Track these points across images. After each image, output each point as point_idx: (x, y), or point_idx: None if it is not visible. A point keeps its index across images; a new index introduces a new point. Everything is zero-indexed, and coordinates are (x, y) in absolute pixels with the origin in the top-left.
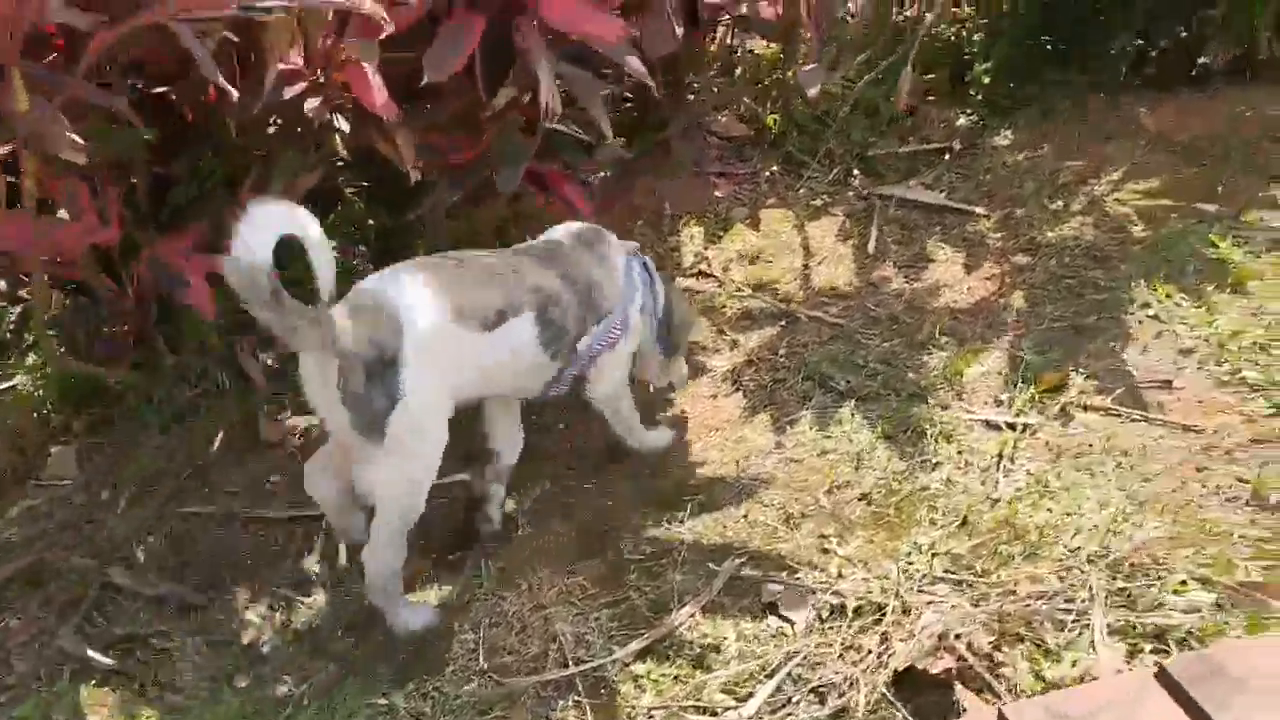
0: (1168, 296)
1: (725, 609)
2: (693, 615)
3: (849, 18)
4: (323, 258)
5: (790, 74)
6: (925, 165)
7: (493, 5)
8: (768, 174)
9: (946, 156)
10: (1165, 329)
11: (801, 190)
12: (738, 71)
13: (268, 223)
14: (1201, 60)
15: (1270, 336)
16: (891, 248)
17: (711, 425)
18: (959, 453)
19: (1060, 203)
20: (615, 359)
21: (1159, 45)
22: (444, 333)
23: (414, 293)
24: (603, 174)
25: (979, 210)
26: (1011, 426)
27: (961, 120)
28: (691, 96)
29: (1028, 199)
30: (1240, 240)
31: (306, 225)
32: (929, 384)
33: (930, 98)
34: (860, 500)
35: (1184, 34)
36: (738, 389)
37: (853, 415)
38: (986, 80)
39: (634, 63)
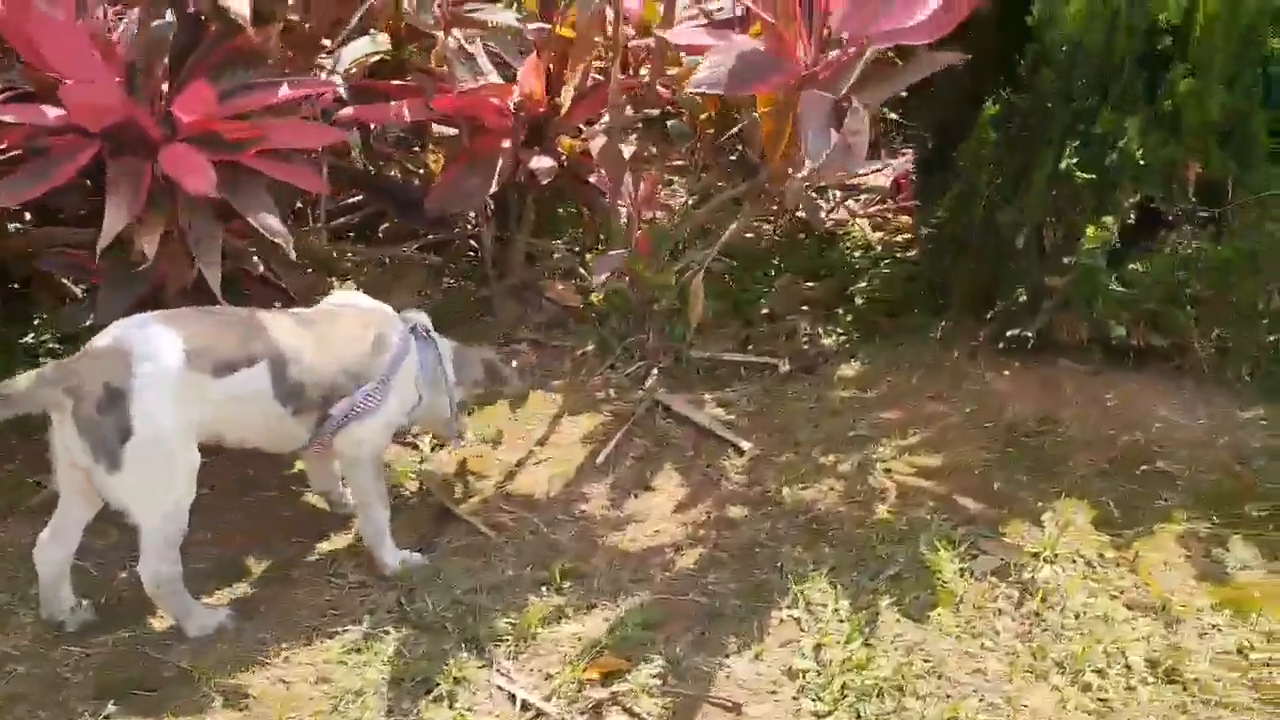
0: (834, 600)
1: None
2: None
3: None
4: None
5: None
6: (742, 379)
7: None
8: (580, 353)
9: (770, 373)
10: (801, 639)
11: (595, 378)
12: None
13: None
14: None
15: (896, 680)
16: (625, 463)
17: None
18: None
19: (832, 458)
20: (369, 425)
21: (1043, 309)
22: (173, 375)
23: (151, 337)
24: None
25: (743, 444)
26: (526, 707)
27: (828, 340)
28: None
29: (805, 445)
30: (968, 555)
31: None
32: (489, 632)
33: (805, 307)
34: None
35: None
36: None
37: (368, 643)
38: (860, 302)
39: (268, 220)
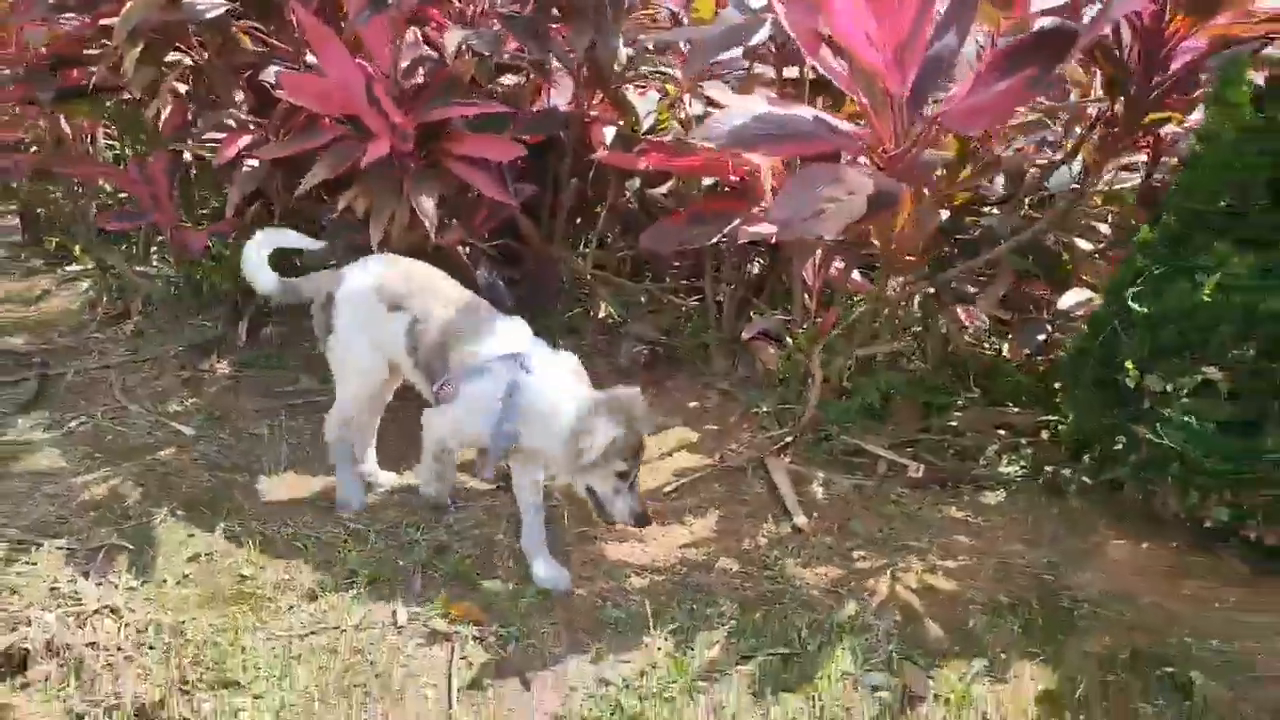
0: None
1: None
2: None
3: None
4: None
5: None
6: (867, 472)
7: None
8: (753, 410)
9: (900, 473)
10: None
11: (744, 432)
12: None
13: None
14: None
15: None
16: (687, 498)
17: None
18: None
19: (862, 554)
20: (441, 416)
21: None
22: (365, 297)
23: (364, 269)
24: None
25: (798, 518)
26: None
27: (1007, 468)
28: None
29: (855, 536)
30: (866, 667)
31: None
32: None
33: (1000, 431)
34: None
35: None
36: None
37: None
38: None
39: (425, 203)
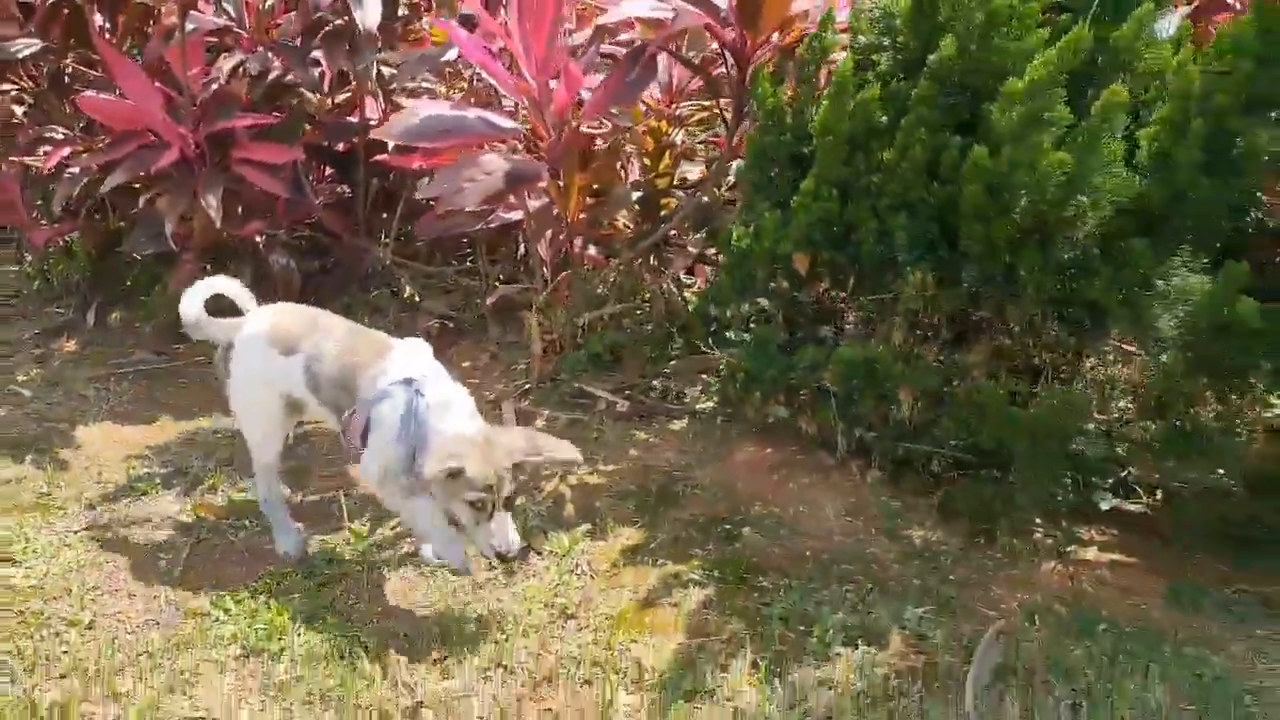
0: None
1: None
2: None
3: None
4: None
5: None
6: (587, 409)
7: None
8: (511, 366)
9: (609, 409)
10: None
11: (493, 377)
12: None
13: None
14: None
15: None
16: None
17: None
18: None
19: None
20: (368, 457)
21: None
22: (256, 343)
23: (257, 318)
24: None
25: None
26: None
27: (703, 404)
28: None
29: None
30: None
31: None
32: None
33: (705, 377)
34: None
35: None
36: None
37: None
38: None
39: (210, 199)
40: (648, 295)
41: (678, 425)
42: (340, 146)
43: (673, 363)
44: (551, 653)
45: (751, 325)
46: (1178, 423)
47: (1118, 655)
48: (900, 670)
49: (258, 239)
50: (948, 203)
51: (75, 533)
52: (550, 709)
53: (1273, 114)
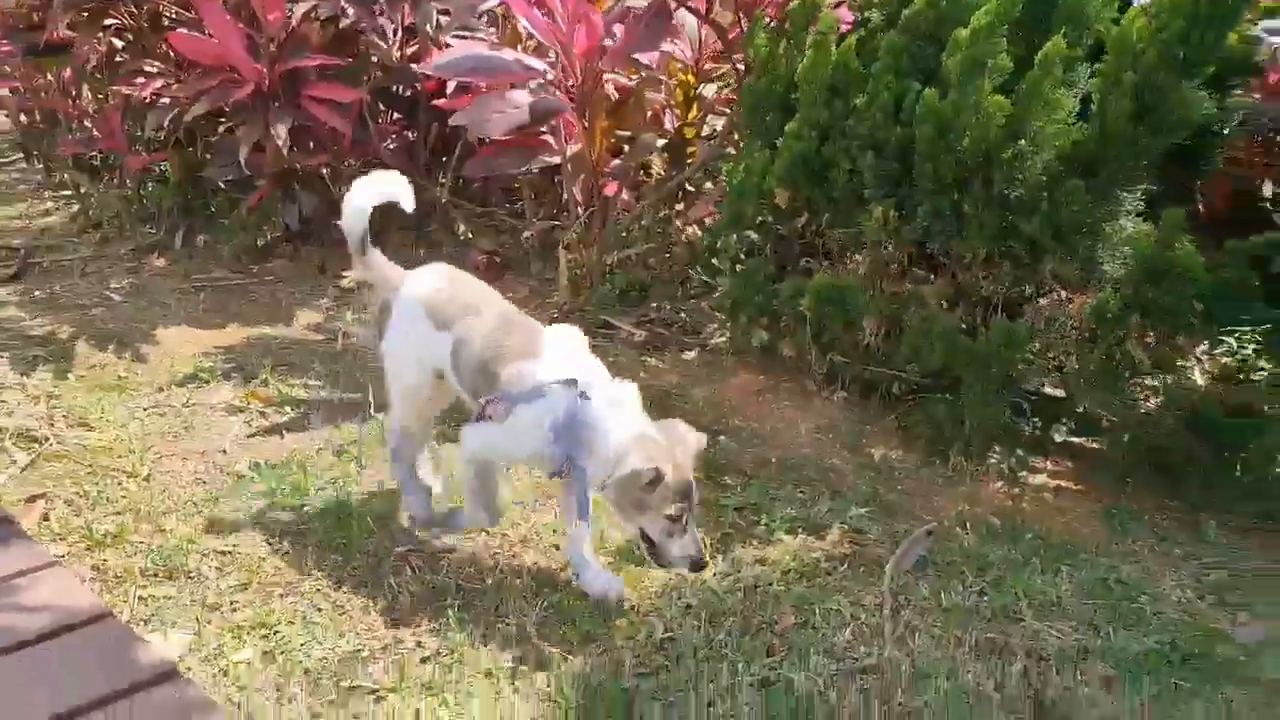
0: None
1: None
2: None
3: None
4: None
5: None
6: (608, 338)
7: None
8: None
9: (628, 338)
10: None
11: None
12: None
13: (373, 181)
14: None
15: None
16: None
17: None
18: None
19: None
20: (478, 432)
21: None
22: (413, 311)
23: (414, 280)
24: None
25: None
26: None
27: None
28: None
29: None
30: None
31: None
32: None
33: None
34: None
35: None
36: None
37: None
38: None
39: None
40: (671, 237)
41: (689, 355)
42: (405, 92)
43: (694, 299)
44: (529, 522)
45: (744, 258)
46: (1111, 358)
47: (1033, 557)
48: (833, 556)
49: (324, 171)
50: (909, 143)
51: (145, 409)
52: (523, 564)
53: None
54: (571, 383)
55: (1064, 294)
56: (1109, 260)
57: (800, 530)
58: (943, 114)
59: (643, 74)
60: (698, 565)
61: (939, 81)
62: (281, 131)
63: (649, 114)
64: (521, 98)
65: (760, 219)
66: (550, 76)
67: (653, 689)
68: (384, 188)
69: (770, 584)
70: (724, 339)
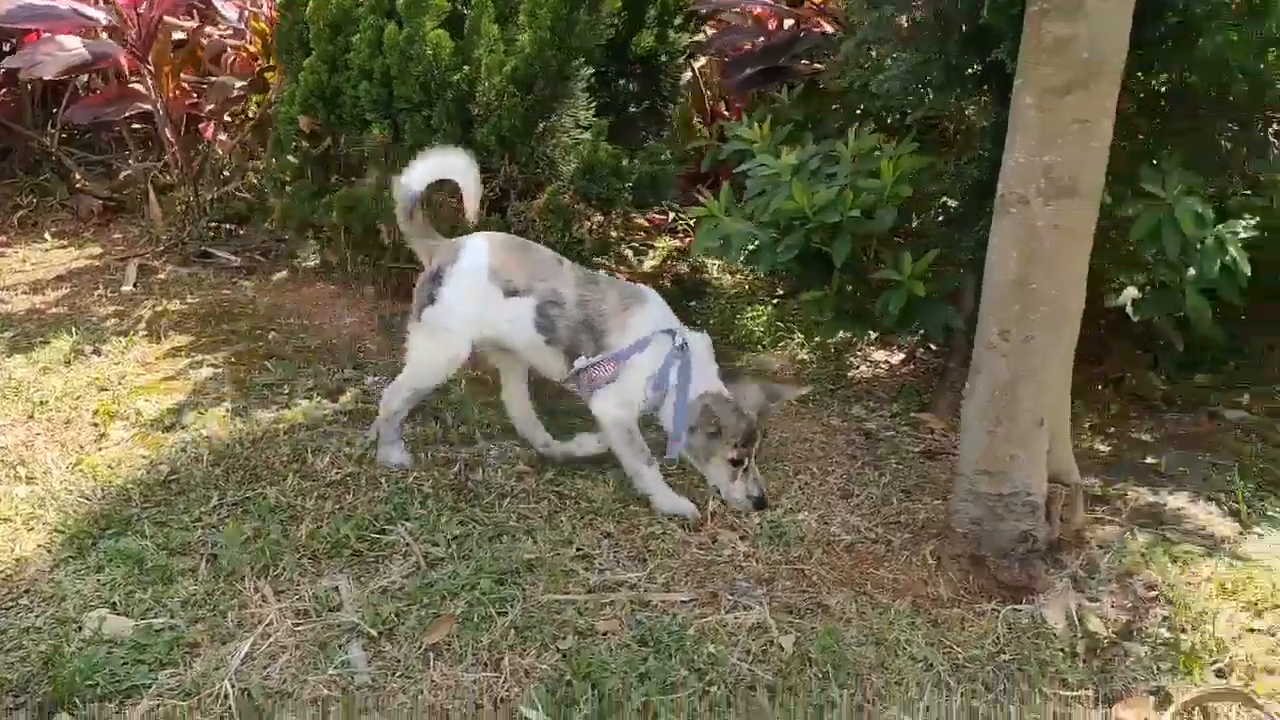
0: None
1: None
2: None
3: None
4: (470, 191)
5: None
6: (205, 265)
7: None
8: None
9: (221, 266)
10: None
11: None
12: None
13: (429, 163)
14: None
15: None
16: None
17: None
18: None
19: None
20: (606, 399)
21: None
22: (476, 279)
23: (474, 247)
24: None
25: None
26: None
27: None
28: None
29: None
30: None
31: (465, 170)
32: None
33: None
34: None
35: None
36: None
37: None
38: None
39: None
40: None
41: (278, 276)
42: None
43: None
44: (78, 406)
45: (290, 180)
46: (563, 239)
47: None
48: (341, 412)
49: None
50: (389, 72)
51: None
52: (61, 440)
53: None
54: (670, 332)
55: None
56: (564, 163)
57: (317, 395)
58: (402, 47)
59: (231, 27)
60: (761, 504)
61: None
62: None
63: (235, 61)
64: (73, 42)
65: (295, 144)
66: (105, 23)
67: (151, 515)
68: (446, 167)
69: (276, 435)
70: (314, 262)
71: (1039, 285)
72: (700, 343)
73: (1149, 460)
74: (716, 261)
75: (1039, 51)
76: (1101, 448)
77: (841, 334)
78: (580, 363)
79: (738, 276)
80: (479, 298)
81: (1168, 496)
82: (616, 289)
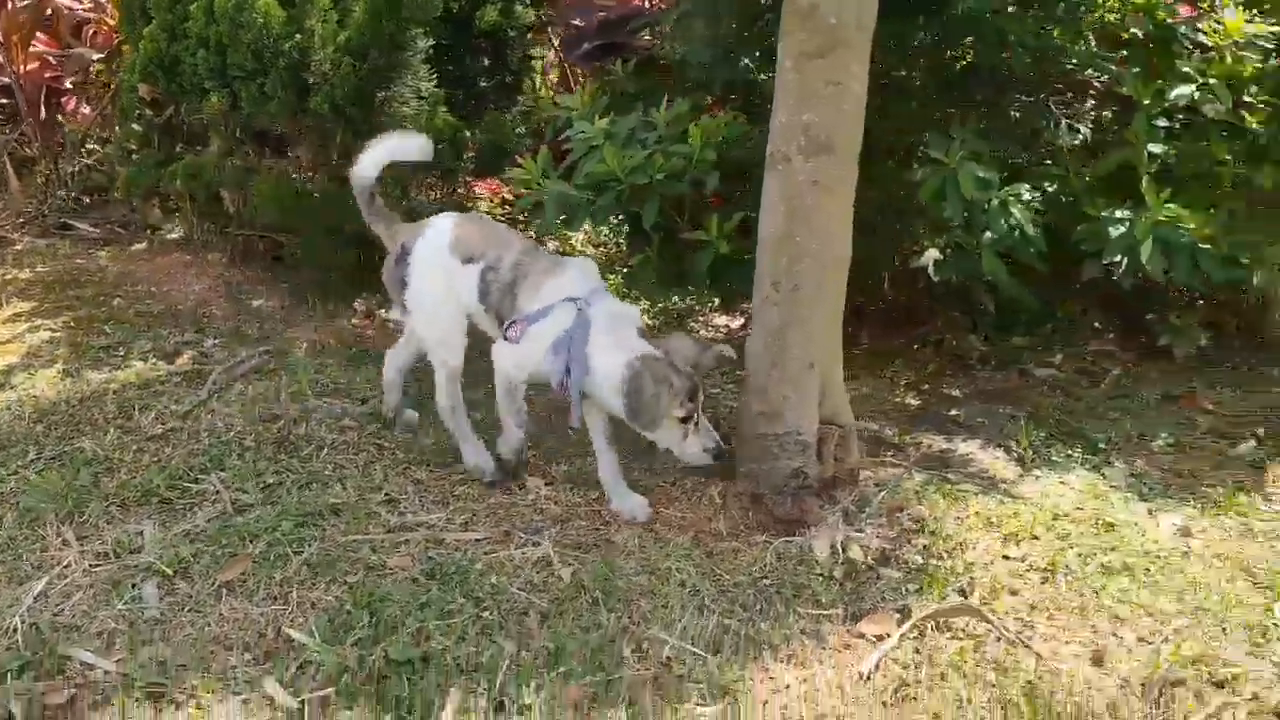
0: None
1: None
2: None
3: None
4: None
5: None
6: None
7: None
8: None
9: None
10: None
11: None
12: None
13: (376, 151)
14: None
15: None
16: None
17: None
18: None
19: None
20: (504, 351)
21: None
22: (439, 253)
23: (438, 225)
24: None
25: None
26: None
27: None
28: None
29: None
30: None
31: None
32: None
33: None
34: None
35: None
36: None
37: None
38: None
39: None
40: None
41: (138, 247)
42: None
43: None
44: None
45: (135, 149)
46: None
47: (327, 361)
48: (176, 373)
49: None
50: (222, 40)
51: None
52: None
53: None
54: (573, 300)
55: None
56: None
57: (154, 358)
58: (231, 14)
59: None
60: (719, 455)
61: None
62: None
63: (94, 33)
64: None
65: (140, 113)
66: None
67: None
68: (396, 149)
69: (105, 394)
70: (177, 234)
71: (802, 239)
72: (605, 310)
73: (953, 413)
74: (579, 235)
75: (794, 17)
76: (912, 402)
77: (674, 298)
78: (504, 329)
79: (601, 249)
80: (443, 269)
81: (960, 444)
82: (548, 258)
